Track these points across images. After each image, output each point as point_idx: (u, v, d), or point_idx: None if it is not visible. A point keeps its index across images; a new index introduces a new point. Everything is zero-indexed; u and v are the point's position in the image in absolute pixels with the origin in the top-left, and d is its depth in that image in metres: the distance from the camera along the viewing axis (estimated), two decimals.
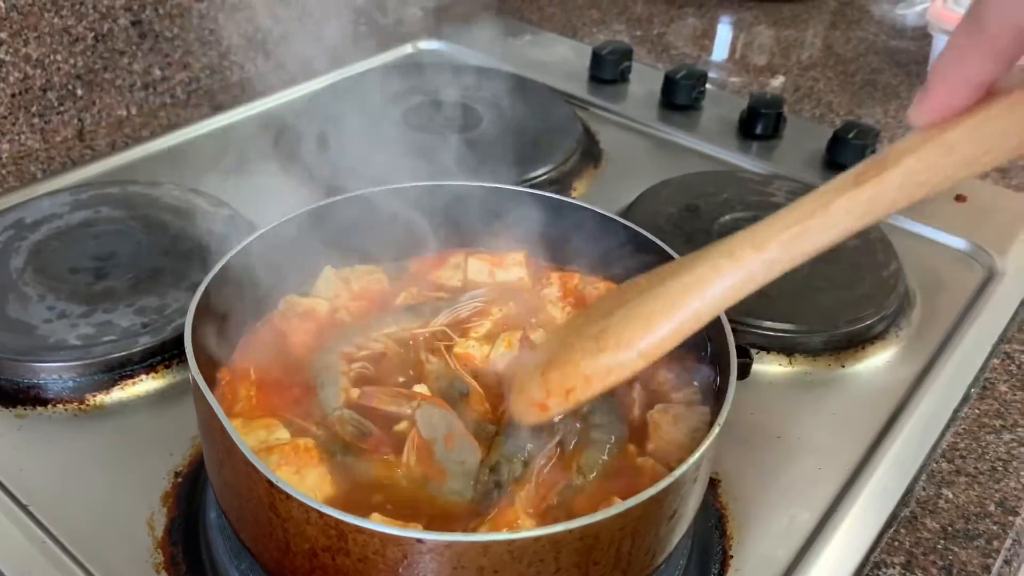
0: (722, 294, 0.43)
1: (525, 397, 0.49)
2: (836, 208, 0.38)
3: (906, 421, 0.71)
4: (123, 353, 0.68)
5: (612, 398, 0.56)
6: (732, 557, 0.60)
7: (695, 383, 0.57)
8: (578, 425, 0.53)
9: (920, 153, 0.35)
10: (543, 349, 0.52)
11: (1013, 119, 0.32)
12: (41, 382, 0.67)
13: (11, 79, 0.92)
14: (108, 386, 0.68)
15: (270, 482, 0.42)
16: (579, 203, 0.66)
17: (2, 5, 0.88)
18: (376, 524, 0.40)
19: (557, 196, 0.67)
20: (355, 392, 0.55)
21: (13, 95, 0.93)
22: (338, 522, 0.41)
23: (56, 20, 0.93)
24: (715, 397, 0.54)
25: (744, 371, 0.52)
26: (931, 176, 0.35)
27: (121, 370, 0.68)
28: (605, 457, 0.51)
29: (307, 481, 0.47)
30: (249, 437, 0.50)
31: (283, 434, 0.51)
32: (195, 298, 0.52)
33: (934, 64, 0.33)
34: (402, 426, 0.52)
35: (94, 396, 0.68)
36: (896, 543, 0.62)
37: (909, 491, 0.66)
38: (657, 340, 0.44)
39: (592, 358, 0.46)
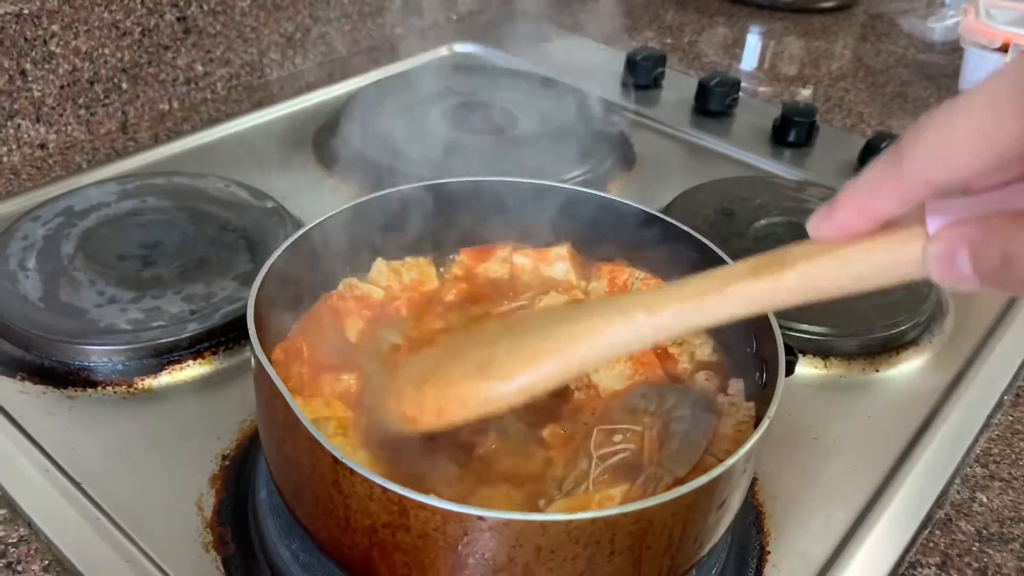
0: (609, 349, 0.44)
1: (396, 407, 0.50)
2: (731, 292, 0.40)
3: (940, 426, 0.72)
4: (171, 338, 0.70)
5: (693, 390, 0.57)
6: (770, 553, 0.61)
7: (740, 381, 0.58)
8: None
9: (818, 261, 0.37)
10: (420, 362, 0.52)
11: (906, 251, 0.35)
12: (92, 364, 0.69)
13: (60, 71, 0.94)
14: (156, 370, 0.69)
15: (335, 458, 0.43)
16: (624, 201, 0.67)
17: None
18: (439, 501, 0.41)
19: (602, 193, 0.68)
20: None
21: (62, 87, 0.95)
22: (401, 498, 0.42)
23: (106, 14, 0.95)
24: (760, 394, 0.55)
25: (790, 368, 0.53)
26: (823, 284, 0.37)
27: (169, 355, 0.70)
28: (684, 448, 0.52)
29: (365, 458, 0.49)
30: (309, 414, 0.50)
31: (339, 411, 0.52)
32: (259, 277, 0.54)
33: (845, 188, 0.35)
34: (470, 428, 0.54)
35: (142, 380, 0.69)
36: (931, 544, 0.62)
37: (943, 494, 0.66)
38: (539, 380, 0.45)
39: (472, 384, 0.46)
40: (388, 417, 0.50)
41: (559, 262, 0.67)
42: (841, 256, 0.36)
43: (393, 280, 0.64)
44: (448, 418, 0.47)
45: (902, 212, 0.34)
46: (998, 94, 0.30)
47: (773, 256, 0.39)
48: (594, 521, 0.42)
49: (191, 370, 0.70)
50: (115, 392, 0.68)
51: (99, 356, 0.69)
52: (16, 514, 0.58)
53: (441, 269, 0.68)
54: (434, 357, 0.51)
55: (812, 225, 0.37)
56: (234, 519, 0.59)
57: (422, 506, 0.41)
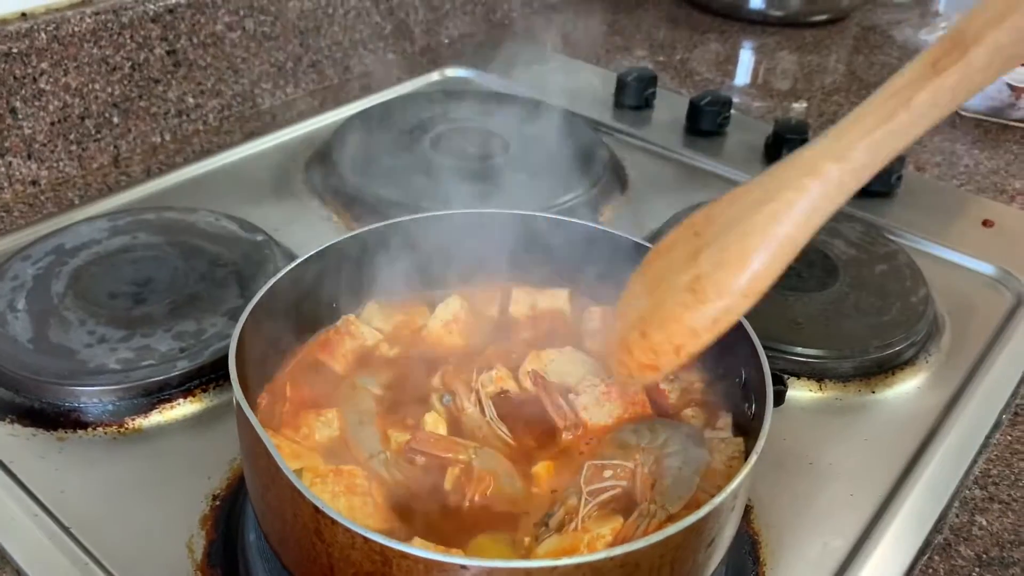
0: (813, 213, 0.41)
1: (632, 362, 0.48)
2: (919, 103, 0.36)
3: (937, 447, 0.71)
4: (162, 377, 0.70)
5: (684, 425, 0.57)
6: None
7: (728, 415, 0.58)
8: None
9: (1008, 22, 0.32)
10: (632, 309, 0.49)
11: None
12: (81, 405, 0.68)
13: (51, 107, 0.94)
14: (147, 410, 0.69)
15: (316, 507, 0.42)
16: (613, 232, 0.67)
17: (44, 36, 0.91)
18: (421, 550, 0.41)
19: (591, 224, 0.68)
20: (395, 434, 0.56)
21: (52, 123, 0.95)
22: (383, 548, 0.41)
23: (95, 50, 0.95)
24: (750, 425, 0.55)
25: (779, 398, 0.52)
26: (1020, 48, 0.32)
27: (159, 394, 0.70)
28: (677, 484, 0.52)
29: (347, 505, 0.48)
30: (292, 461, 0.50)
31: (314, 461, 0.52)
32: (239, 324, 0.54)
33: None
34: (454, 473, 0.53)
35: (133, 420, 0.69)
36: (931, 570, 0.62)
37: (942, 518, 0.65)
38: (758, 276, 0.43)
39: (695, 311, 0.44)
40: (624, 374, 0.48)
41: (558, 301, 0.67)
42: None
43: (384, 323, 0.64)
44: (688, 351, 0.46)
45: None
46: None
47: (949, 37, 0.34)
48: (579, 567, 0.41)
49: (182, 409, 0.70)
50: (106, 433, 0.68)
51: (89, 397, 0.69)
52: (5, 561, 0.58)
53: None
54: (640, 299, 0.48)
55: None
56: (225, 561, 0.59)
57: (404, 555, 0.41)
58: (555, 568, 0.41)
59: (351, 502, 0.49)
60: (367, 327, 0.64)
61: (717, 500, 0.44)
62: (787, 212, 0.41)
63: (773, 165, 0.44)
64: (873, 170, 0.39)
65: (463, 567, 0.41)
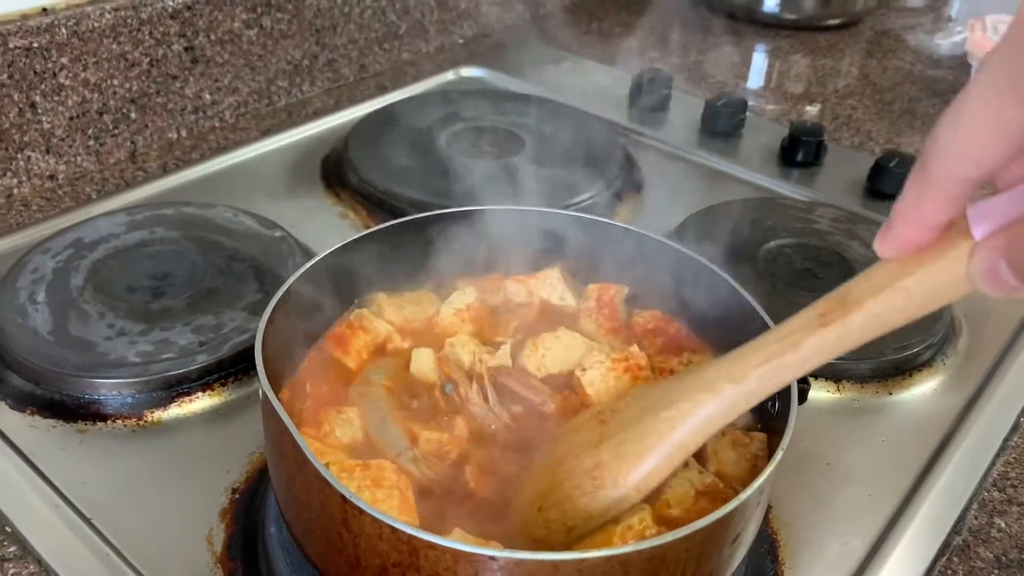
0: (706, 425, 0.46)
1: (526, 535, 0.50)
2: (806, 347, 0.41)
3: (955, 449, 0.71)
4: (181, 371, 0.70)
5: None
6: None
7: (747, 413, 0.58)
8: None
9: (881, 297, 0.37)
10: (534, 483, 0.51)
11: (957, 269, 0.34)
12: (101, 398, 0.69)
13: (69, 102, 0.95)
14: (166, 403, 0.69)
15: (343, 497, 0.42)
16: (630, 228, 0.67)
17: (64, 31, 0.91)
18: (448, 541, 0.41)
19: (606, 220, 0.68)
20: (426, 433, 0.55)
21: (71, 118, 0.95)
22: (411, 538, 0.41)
23: (114, 46, 0.96)
24: (770, 421, 0.55)
25: (803, 396, 0.52)
26: (891, 317, 0.38)
27: (179, 387, 0.70)
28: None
29: (370, 498, 0.48)
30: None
31: (340, 456, 0.52)
32: (265, 315, 0.54)
33: (896, 202, 0.35)
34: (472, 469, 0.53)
35: (152, 412, 0.69)
36: (949, 572, 0.61)
37: (961, 520, 0.65)
38: (650, 475, 0.47)
39: (591, 496, 0.48)
40: (519, 543, 0.49)
41: (552, 285, 0.67)
42: (904, 288, 0.36)
43: (394, 315, 0.64)
44: (578, 533, 0.48)
45: (952, 214, 0.34)
46: (992, 83, 0.31)
47: (835, 297, 0.39)
48: (608, 559, 0.41)
49: (201, 402, 0.70)
50: (125, 425, 0.68)
51: (109, 389, 0.69)
52: (26, 551, 0.58)
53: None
54: (544, 473, 0.51)
55: (876, 245, 0.37)
56: (244, 554, 0.59)
57: (432, 546, 0.41)
58: (583, 560, 0.41)
59: (375, 495, 0.48)
60: (379, 320, 0.64)
61: (744, 495, 0.44)
62: (682, 421, 0.46)
63: (679, 373, 0.51)
64: (761, 396, 0.45)
65: (492, 558, 0.41)
